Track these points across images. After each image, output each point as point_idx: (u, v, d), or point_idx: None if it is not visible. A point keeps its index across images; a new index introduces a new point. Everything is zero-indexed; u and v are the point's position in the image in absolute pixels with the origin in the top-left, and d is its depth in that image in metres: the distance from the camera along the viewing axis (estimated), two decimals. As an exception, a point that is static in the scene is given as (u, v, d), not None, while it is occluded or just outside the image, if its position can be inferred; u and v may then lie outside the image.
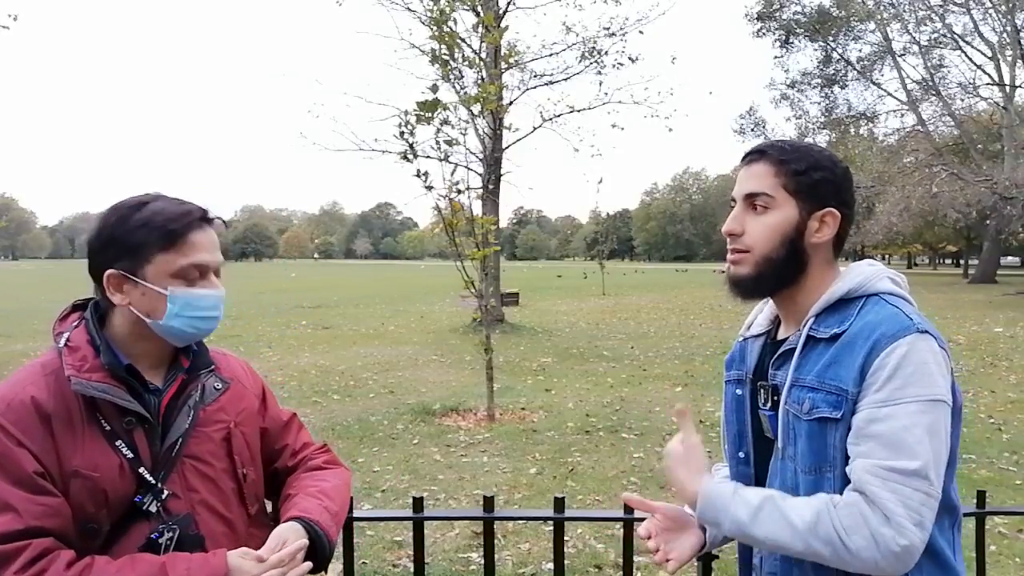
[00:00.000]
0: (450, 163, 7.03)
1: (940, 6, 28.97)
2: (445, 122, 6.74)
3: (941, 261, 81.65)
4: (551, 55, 16.09)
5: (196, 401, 1.37)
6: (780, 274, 1.29)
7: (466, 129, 7.25)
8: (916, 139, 30.92)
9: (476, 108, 7.69)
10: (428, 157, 7.02)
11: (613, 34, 15.90)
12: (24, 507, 1.17)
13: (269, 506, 1.56)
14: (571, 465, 5.81)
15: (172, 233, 1.28)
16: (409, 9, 13.88)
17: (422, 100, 6.53)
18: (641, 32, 16.28)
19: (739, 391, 1.42)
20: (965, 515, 1.46)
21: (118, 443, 1.27)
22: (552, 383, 9.50)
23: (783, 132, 36.92)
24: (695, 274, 51.31)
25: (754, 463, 1.38)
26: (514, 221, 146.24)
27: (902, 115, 33.51)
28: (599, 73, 16.02)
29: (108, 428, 1.27)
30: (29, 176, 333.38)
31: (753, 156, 1.32)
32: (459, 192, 6.98)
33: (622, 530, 1.79)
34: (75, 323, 1.34)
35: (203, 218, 1.33)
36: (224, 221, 1.39)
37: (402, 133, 6.72)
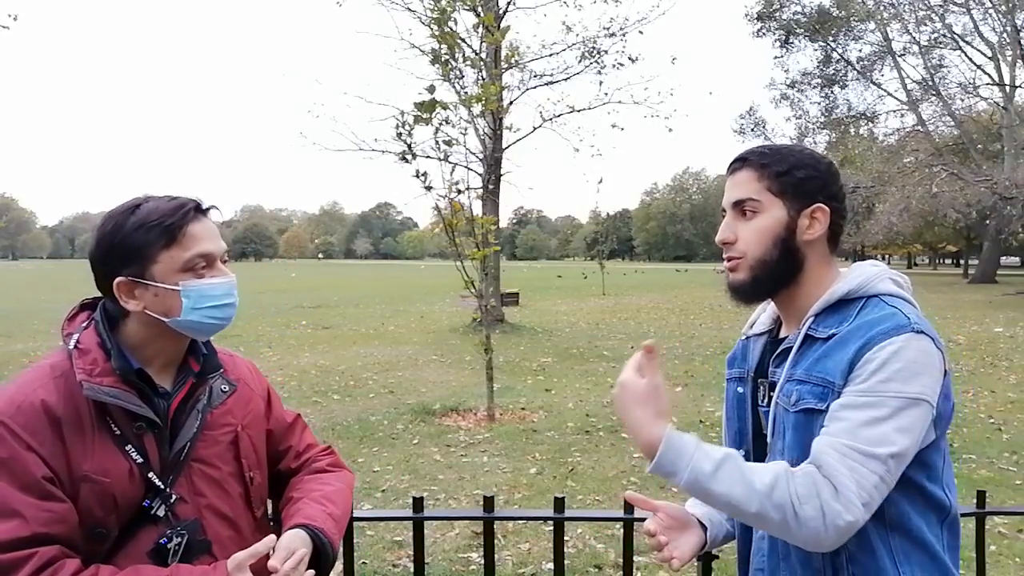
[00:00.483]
0: (450, 163, 7.04)
1: (940, 6, 29.00)
2: (445, 122, 6.74)
3: (941, 261, 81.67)
4: (551, 55, 16.10)
5: (204, 404, 1.36)
6: (776, 275, 1.30)
7: (466, 129, 7.26)
8: (916, 139, 30.95)
9: (476, 108, 7.70)
10: (428, 157, 7.02)
11: (613, 34, 15.91)
12: (31, 513, 1.15)
13: (269, 506, 1.55)
14: (571, 465, 5.81)
15: (170, 229, 1.27)
16: (409, 9, 13.89)
17: (420, 101, 6.53)
18: (641, 32, 16.34)
19: (740, 389, 1.43)
20: (965, 515, 1.46)
21: (127, 448, 1.26)
22: (552, 383, 9.50)
23: (783, 132, 37.00)
24: (695, 274, 51.30)
25: (754, 460, 1.38)
26: (514, 221, 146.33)
27: (902, 115, 33.60)
28: (599, 73, 16.03)
29: (118, 432, 1.26)
30: (29, 176, 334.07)
31: (736, 165, 1.34)
32: (459, 192, 6.98)
33: (622, 530, 1.79)
34: (84, 324, 1.33)
35: (197, 209, 1.32)
36: (219, 210, 1.38)
37: (400, 134, 6.72)
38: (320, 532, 1.36)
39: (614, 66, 15.99)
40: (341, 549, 1.52)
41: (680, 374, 10.07)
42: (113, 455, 1.25)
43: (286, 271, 63.53)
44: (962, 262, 55.65)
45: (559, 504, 1.76)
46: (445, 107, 6.72)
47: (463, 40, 8.64)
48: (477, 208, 12.95)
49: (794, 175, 1.29)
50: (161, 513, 1.28)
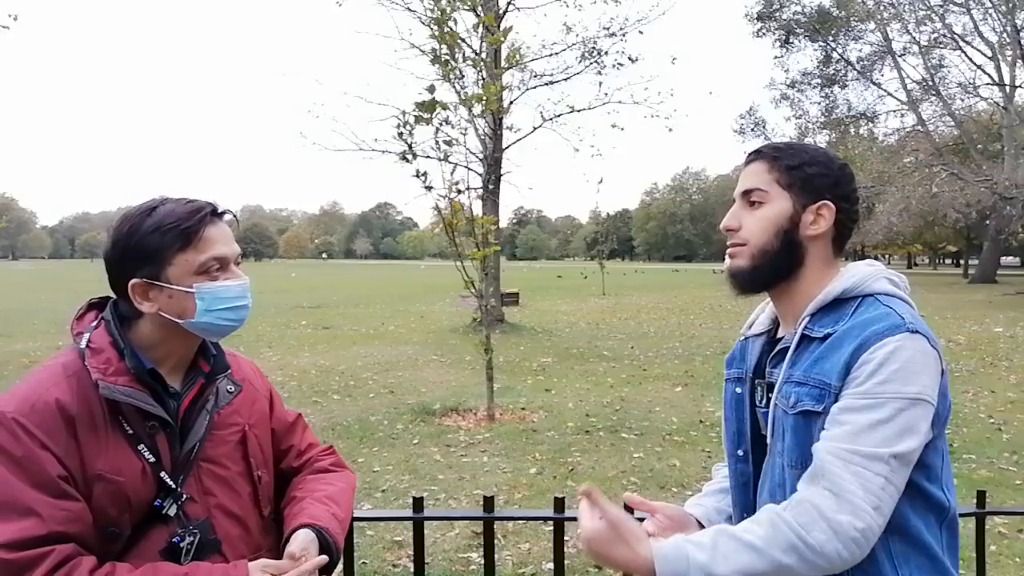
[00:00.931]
0: (450, 163, 7.04)
1: (940, 6, 28.98)
2: (445, 122, 6.74)
3: (941, 261, 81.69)
4: (551, 55, 16.09)
5: (213, 404, 1.38)
6: (776, 266, 1.31)
7: (466, 129, 7.26)
8: (916, 139, 30.94)
9: (476, 108, 7.69)
10: (428, 157, 7.02)
11: (613, 34, 15.91)
12: (47, 512, 1.15)
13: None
14: (571, 465, 5.81)
15: (186, 232, 1.28)
16: (409, 9, 13.87)
17: (420, 100, 6.54)
18: (641, 32, 16.28)
19: (738, 389, 1.43)
20: (965, 515, 1.46)
21: (140, 447, 1.27)
22: (552, 383, 9.50)
23: (783, 132, 36.98)
24: (695, 274, 51.32)
25: (752, 461, 1.38)
26: (514, 221, 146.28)
27: (902, 115, 33.56)
28: (599, 73, 16.02)
29: (131, 432, 1.27)
30: (29, 176, 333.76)
31: (751, 156, 1.37)
32: (459, 192, 6.98)
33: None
34: (93, 323, 1.33)
35: (214, 212, 1.33)
36: (234, 214, 1.39)
37: (400, 134, 6.73)
38: (325, 532, 1.38)
39: (614, 66, 15.99)
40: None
41: (680, 374, 10.08)
42: (126, 454, 1.26)
43: (286, 271, 63.53)
44: (962, 262, 55.66)
45: (559, 504, 1.76)
46: (445, 107, 6.73)
47: (463, 40, 8.63)
48: (477, 208, 12.95)
49: (804, 170, 1.31)
50: (172, 512, 1.29)
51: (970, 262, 50.20)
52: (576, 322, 17.93)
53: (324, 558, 1.33)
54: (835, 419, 1.16)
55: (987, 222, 30.45)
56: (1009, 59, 29.94)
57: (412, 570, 2.02)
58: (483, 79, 8.03)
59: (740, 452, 1.41)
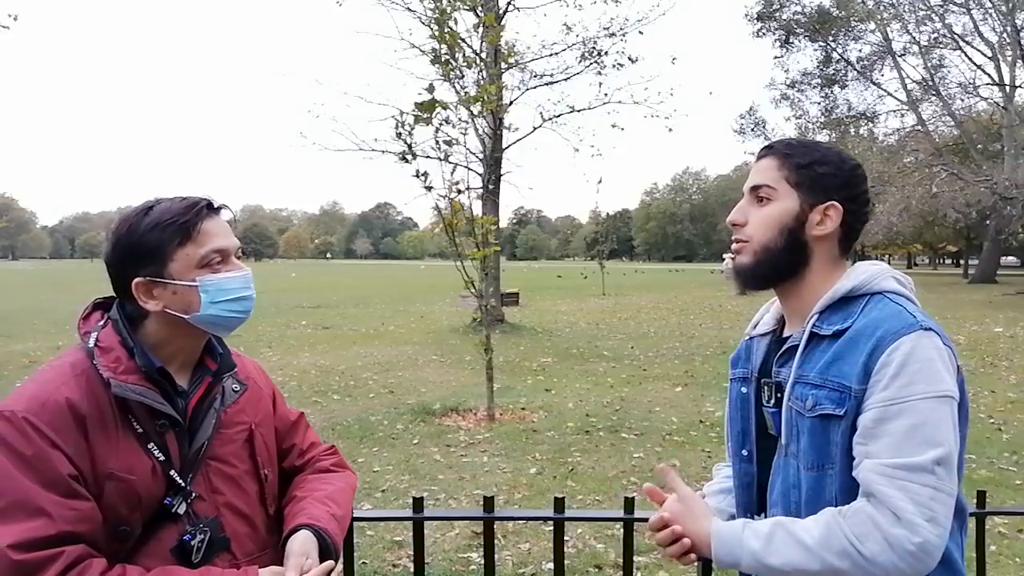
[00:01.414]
0: (450, 163, 7.04)
1: (940, 6, 28.99)
2: (445, 122, 6.74)
3: (941, 261, 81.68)
4: (551, 55, 16.09)
5: (220, 403, 1.38)
6: (779, 264, 1.31)
7: (466, 129, 7.25)
8: (916, 139, 30.94)
9: (476, 108, 7.69)
10: (428, 157, 7.02)
11: (613, 34, 15.89)
12: (57, 512, 1.15)
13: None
14: (571, 465, 5.81)
15: (184, 226, 1.29)
16: (409, 9, 13.87)
17: (420, 100, 6.53)
18: (641, 32, 16.24)
19: (744, 389, 1.43)
20: (965, 515, 1.46)
21: (150, 446, 1.27)
22: (552, 383, 9.50)
23: (783, 132, 36.92)
24: (695, 274, 51.31)
25: (757, 461, 1.38)
26: (514, 221, 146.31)
27: (902, 115, 33.57)
28: (599, 73, 16.01)
29: (140, 430, 1.27)
30: (29, 176, 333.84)
31: (762, 152, 1.37)
32: (459, 192, 6.98)
33: (622, 530, 1.79)
34: (100, 322, 1.33)
35: (209, 207, 1.34)
36: (230, 209, 1.39)
37: (400, 134, 6.72)
38: (324, 533, 1.38)
39: (614, 66, 15.98)
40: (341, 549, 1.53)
41: (680, 374, 10.08)
42: (137, 453, 1.26)
43: (286, 271, 63.52)
44: (962, 262, 55.65)
45: (559, 504, 1.76)
46: (445, 107, 6.72)
47: (463, 40, 8.63)
48: (477, 208, 12.96)
49: (814, 169, 1.30)
50: (182, 511, 1.29)
51: (970, 262, 50.18)
52: (576, 322, 17.92)
53: (331, 563, 1.33)
54: (870, 432, 1.16)
55: (987, 222, 30.45)
56: (1009, 59, 29.94)
57: (412, 570, 2.02)
58: (483, 79, 8.03)
59: (744, 452, 1.40)
